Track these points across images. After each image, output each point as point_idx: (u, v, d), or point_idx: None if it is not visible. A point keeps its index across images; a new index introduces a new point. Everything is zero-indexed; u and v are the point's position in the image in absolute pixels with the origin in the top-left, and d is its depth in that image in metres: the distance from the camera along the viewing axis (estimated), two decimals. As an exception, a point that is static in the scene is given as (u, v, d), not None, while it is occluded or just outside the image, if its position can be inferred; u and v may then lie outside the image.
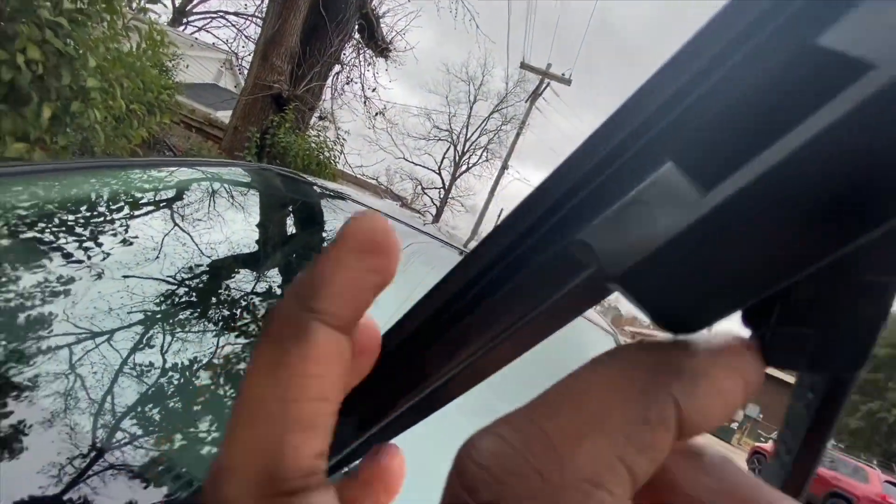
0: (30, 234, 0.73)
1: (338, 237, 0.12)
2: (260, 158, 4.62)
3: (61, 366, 0.51)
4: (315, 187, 1.33)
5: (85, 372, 0.51)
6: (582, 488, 0.08)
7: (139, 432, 0.47)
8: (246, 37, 9.14)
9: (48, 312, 0.59)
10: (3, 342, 0.50)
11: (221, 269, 0.88)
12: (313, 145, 4.78)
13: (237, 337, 0.69)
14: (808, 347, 0.11)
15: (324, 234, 1.10)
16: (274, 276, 0.93)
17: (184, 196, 1.05)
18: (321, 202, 1.27)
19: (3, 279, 0.61)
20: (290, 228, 1.13)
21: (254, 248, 0.98)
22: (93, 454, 0.42)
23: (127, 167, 1.04)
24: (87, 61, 1.71)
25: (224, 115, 6.18)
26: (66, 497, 0.36)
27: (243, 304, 0.80)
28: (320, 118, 5.50)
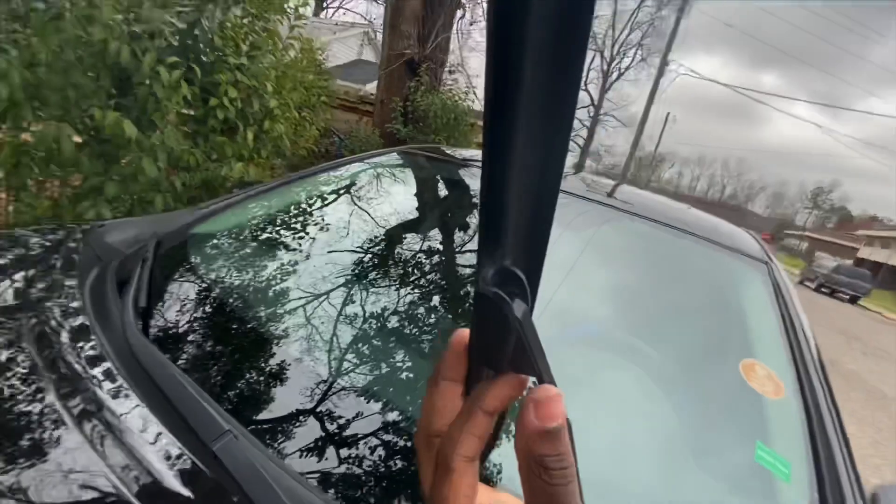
0: (265, 235, 1.07)
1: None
2: (406, 125, 5.03)
3: (299, 319, 0.79)
4: (447, 161, 1.48)
5: (316, 322, 0.79)
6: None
7: (356, 361, 0.72)
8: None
9: (286, 285, 0.89)
10: (263, 308, 0.81)
11: (392, 238, 1.11)
12: (448, 102, 4.96)
13: (414, 290, 0.91)
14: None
15: (458, 206, 1.26)
16: (430, 240, 1.12)
17: (354, 187, 1.32)
18: (455, 174, 1.41)
19: (256, 266, 0.94)
20: (429, 203, 1.31)
21: (410, 220, 1.19)
22: (328, 379, 0.67)
23: (315, 174, 1.36)
24: (266, 87, 2.16)
25: (373, 87, 6.76)
26: (317, 409, 0.61)
27: (412, 264, 1.01)
28: (450, 72, 5.62)
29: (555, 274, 0.88)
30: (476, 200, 1.22)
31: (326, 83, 3.04)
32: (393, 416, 0.58)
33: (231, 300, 0.80)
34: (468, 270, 0.96)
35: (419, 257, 1.00)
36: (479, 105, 6.64)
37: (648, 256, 1.00)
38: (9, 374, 0.51)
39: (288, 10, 2.24)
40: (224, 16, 1.96)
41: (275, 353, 0.68)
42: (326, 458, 0.51)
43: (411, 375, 0.69)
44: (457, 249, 1.05)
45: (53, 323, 0.61)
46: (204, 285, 0.83)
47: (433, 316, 0.83)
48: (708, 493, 0.55)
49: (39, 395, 0.49)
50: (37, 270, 0.76)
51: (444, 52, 5.31)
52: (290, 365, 0.66)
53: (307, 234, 1.08)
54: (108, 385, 0.51)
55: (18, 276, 0.73)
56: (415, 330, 0.79)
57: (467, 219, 1.13)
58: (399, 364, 0.71)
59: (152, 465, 0.43)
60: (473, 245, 1.02)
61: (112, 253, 0.89)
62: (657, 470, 0.59)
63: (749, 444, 0.57)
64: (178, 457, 0.45)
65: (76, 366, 0.54)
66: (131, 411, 0.49)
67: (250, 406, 0.59)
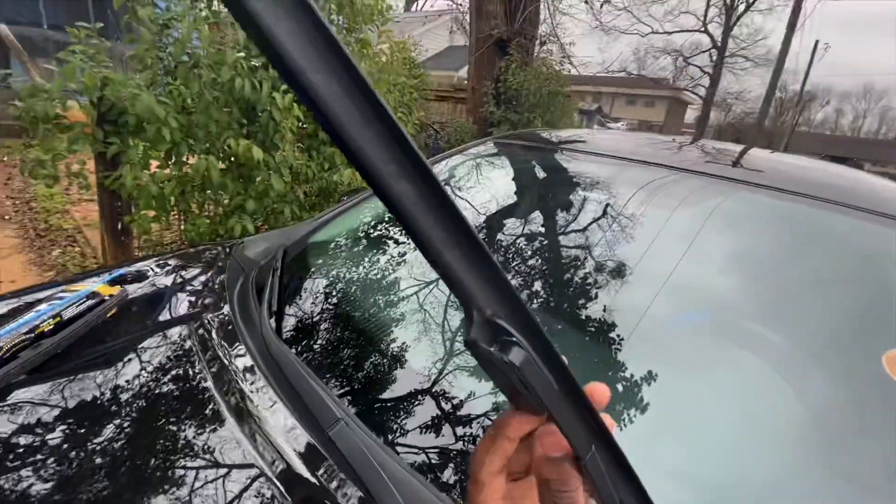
0: (374, 236, 1.18)
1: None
2: (498, 107, 4.97)
3: (409, 313, 0.86)
4: (543, 148, 1.43)
5: (425, 314, 0.85)
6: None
7: (464, 352, 0.77)
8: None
9: (396, 282, 0.97)
10: (376, 304, 0.90)
11: (495, 228, 1.13)
12: (542, 74, 4.76)
13: (520, 279, 0.93)
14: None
15: (557, 193, 1.23)
16: (534, 227, 1.12)
17: (451, 182, 1.36)
18: (552, 160, 1.35)
19: (368, 266, 1.04)
20: (527, 193, 1.29)
21: (510, 210, 1.19)
22: (437, 370, 0.72)
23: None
24: (364, 95, 2.31)
25: (466, 73, 6.79)
26: (426, 399, 0.66)
27: (518, 254, 1.04)
28: (542, 43, 5.37)
29: (667, 258, 0.82)
30: (577, 181, 1.17)
31: (418, 79, 3.14)
32: (496, 403, 0.61)
33: (346, 298, 0.90)
34: (577, 257, 0.93)
35: (524, 246, 1.00)
36: (575, 72, 6.25)
37: (780, 234, 0.86)
38: (179, 369, 0.65)
39: (375, 19, 2.36)
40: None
41: (388, 346, 0.75)
42: (432, 446, 0.56)
43: None
44: (562, 235, 1.02)
45: (210, 327, 0.76)
46: (323, 287, 0.94)
47: (537, 303, 0.83)
48: (845, 499, 0.48)
49: (201, 385, 0.62)
50: (199, 282, 0.95)
51: (533, 24, 5.10)
52: (401, 356, 0.73)
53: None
54: (249, 378, 0.63)
55: (187, 286, 0.91)
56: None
57: (568, 205, 1.10)
58: None
59: (282, 447, 0.52)
60: (579, 232, 0.98)
61: (251, 264, 1.06)
62: (784, 473, 0.53)
63: (891, 446, 0.48)
64: (301, 440, 0.53)
65: (226, 362, 0.66)
66: (267, 400, 0.59)
67: (364, 396, 0.66)
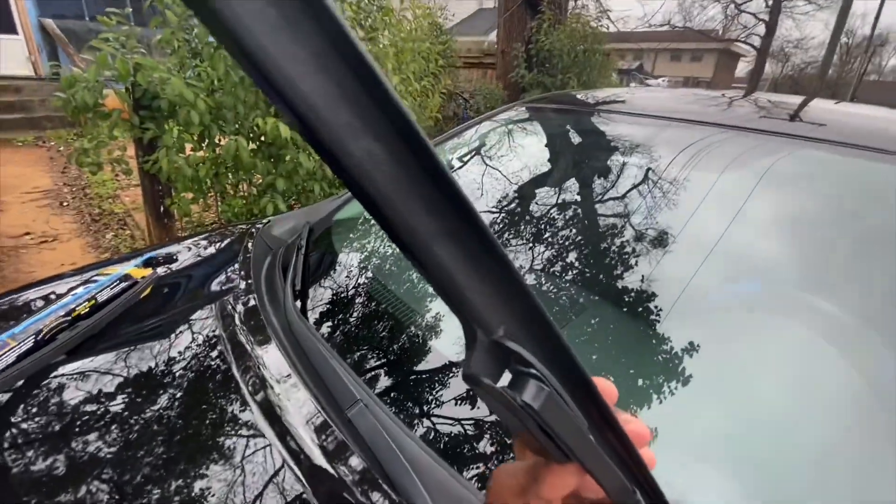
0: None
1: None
2: (530, 70, 4.75)
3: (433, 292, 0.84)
4: (576, 110, 1.35)
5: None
6: None
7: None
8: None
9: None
10: (400, 282, 0.88)
11: (529, 198, 1.08)
12: (576, 33, 4.49)
13: (555, 252, 0.90)
14: None
15: (592, 158, 1.16)
16: (570, 195, 1.07)
17: (480, 151, 1.31)
18: (586, 123, 1.27)
19: (392, 244, 1.02)
20: (560, 159, 1.22)
21: (543, 178, 1.13)
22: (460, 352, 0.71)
23: (439, 144, 1.40)
24: (387, 66, 2.26)
25: (495, 36, 6.52)
26: (448, 382, 0.65)
27: (555, 224, 0.99)
28: (576, -1, 5.04)
29: (716, 224, 0.76)
30: (614, 146, 1.09)
31: (444, 46, 3.03)
32: None
33: (370, 277, 0.90)
34: (617, 226, 0.87)
35: (559, 217, 0.94)
36: (613, 28, 5.86)
37: (845, 194, 0.77)
38: (206, 348, 0.67)
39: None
40: (342, 3, 2.09)
41: (412, 327, 0.74)
42: (452, 428, 0.55)
43: None
44: (600, 204, 0.96)
45: (236, 306, 0.77)
46: (347, 265, 0.94)
47: (573, 278, 0.79)
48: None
49: (225, 365, 0.63)
50: (227, 262, 0.97)
51: (566, -23, 4.78)
52: (425, 337, 0.71)
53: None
54: (271, 358, 0.63)
55: (216, 267, 0.93)
56: (557, 296, 0.77)
57: (607, 171, 1.03)
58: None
59: (301, 428, 0.52)
60: (618, 200, 0.92)
61: (278, 243, 1.07)
62: (839, 449, 0.49)
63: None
64: (319, 420, 0.53)
65: (250, 342, 0.67)
66: (287, 381, 0.60)
67: (386, 376, 0.66)
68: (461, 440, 0.54)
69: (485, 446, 0.53)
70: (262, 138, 2.08)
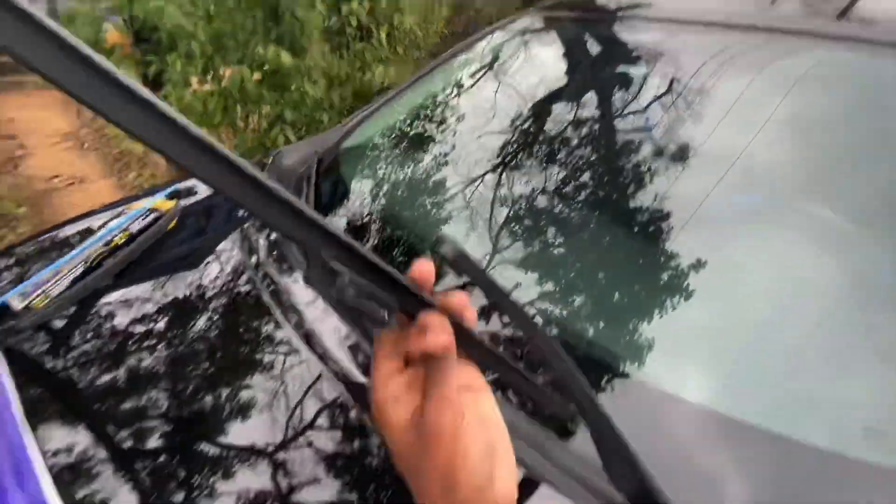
0: (410, 135, 1.17)
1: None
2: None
3: (451, 213, 0.88)
4: (597, 19, 1.25)
5: (470, 214, 0.87)
6: None
7: (513, 250, 0.80)
8: None
9: (433, 181, 0.99)
10: (413, 207, 0.92)
11: (544, 116, 1.04)
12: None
13: (574, 172, 0.91)
14: None
15: (614, 72, 1.11)
16: (587, 111, 1.05)
17: (493, 65, 1.25)
18: (608, 31, 1.18)
19: (403, 168, 1.05)
20: (579, 73, 1.17)
21: (558, 94, 1.08)
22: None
23: (448, 61, 1.35)
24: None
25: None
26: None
27: (571, 143, 0.99)
28: None
29: (742, 136, 0.74)
30: (637, 55, 1.04)
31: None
32: (547, 300, 0.64)
33: (378, 203, 0.94)
34: (633, 140, 0.87)
35: (576, 132, 0.93)
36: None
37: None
38: (232, 272, 0.74)
39: None
40: None
41: (417, 246, 0.80)
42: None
43: (575, 263, 0.71)
44: (619, 117, 0.94)
45: (255, 233, 0.83)
46: (355, 192, 0.98)
47: (591, 197, 0.81)
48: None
49: (248, 286, 0.71)
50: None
51: None
52: (430, 254, 0.77)
53: (450, 125, 1.12)
54: (288, 275, 0.70)
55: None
56: (575, 216, 0.78)
57: (625, 83, 0.99)
58: (562, 252, 0.74)
59: (323, 335, 0.60)
60: (636, 114, 0.90)
61: (289, 174, 1.11)
62: (832, 353, 0.53)
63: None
64: (343, 331, 0.61)
65: (270, 265, 0.74)
66: (306, 297, 0.67)
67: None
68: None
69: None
70: (266, 67, 2.04)
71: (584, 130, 0.93)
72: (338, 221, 0.93)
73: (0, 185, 2.94)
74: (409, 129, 1.16)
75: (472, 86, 1.20)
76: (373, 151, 1.15)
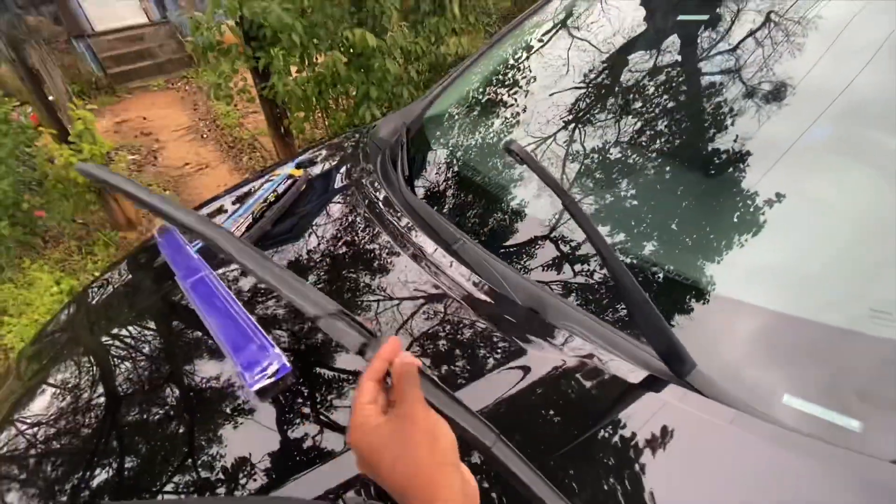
0: (486, 99, 1.32)
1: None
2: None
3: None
4: None
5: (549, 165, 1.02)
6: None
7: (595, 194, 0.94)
8: None
9: (512, 138, 1.13)
10: (493, 164, 1.08)
11: (622, 70, 1.14)
12: None
13: (657, 123, 1.02)
14: None
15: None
16: (669, 59, 1.13)
17: (566, 23, 1.34)
18: None
19: (482, 129, 1.21)
20: (662, 21, 1.22)
21: (639, 45, 1.16)
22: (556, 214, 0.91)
23: (520, 25, 1.46)
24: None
25: None
26: (539, 234, 0.87)
27: (655, 95, 1.09)
28: None
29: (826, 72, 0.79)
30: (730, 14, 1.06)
31: None
32: (621, 234, 0.77)
33: (456, 161, 1.11)
34: (709, 81, 0.93)
35: (655, 79, 0.98)
36: None
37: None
38: (354, 220, 0.96)
39: None
40: None
41: (491, 194, 0.96)
42: (531, 257, 0.78)
43: (659, 211, 0.82)
44: (698, 61, 0.99)
45: (368, 190, 1.05)
46: (440, 153, 1.16)
47: (672, 138, 0.92)
48: None
49: (369, 229, 0.92)
50: (352, 160, 1.24)
51: None
52: (500, 200, 0.92)
53: (525, 86, 1.23)
54: (395, 217, 0.90)
55: (345, 164, 1.22)
56: (656, 157, 0.89)
57: (706, 27, 1.02)
58: (642, 187, 0.83)
59: (431, 256, 0.79)
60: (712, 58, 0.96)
61: (384, 143, 1.32)
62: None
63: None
64: (435, 252, 0.80)
65: (384, 212, 0.95)
66: (411, 230, 0.86)
67: (474, 227, 0.90)
68: (524, 251, 0.77)
69: (544, 256, 0.75)
70: (352, 50, 2.26)
71: (663, 76, 1.00)
72: (425, 173, 1.11)
73: (147, 174, 3.57)
74: (485, 94, 1.30)
75: (545, 45, 1.29)
76: (448, 120, 1.31)
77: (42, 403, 0.79)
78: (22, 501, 0.64)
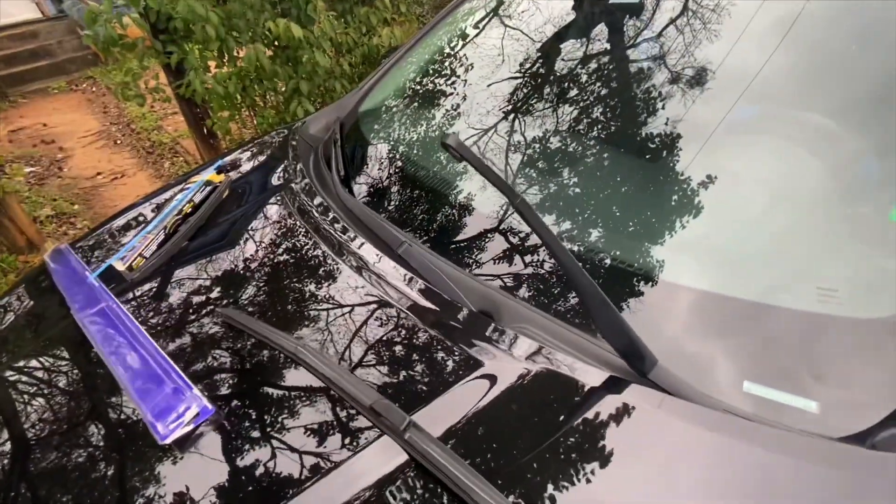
0: (422, 90, 1.24)
1: None
2: None
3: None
4: None
5: (489, 154, 0.97)
6: None
7: (535, 185, 0.89)
8: None
9: (448, 129, 1.07)
10: (430, 154, 1.02)
11: (555, 56, 1.13)
12: None
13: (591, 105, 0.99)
14: None
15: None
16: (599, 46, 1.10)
17: (499, 9, 1.30)
18: None
19: (419, 121, 1.14)
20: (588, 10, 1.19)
21: (570, 33, 1.14)
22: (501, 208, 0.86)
23: (452, 12, 1.40)
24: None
25: None
26: (486, 226, 0.81)
27: (588, 79, 1.06)
28: None
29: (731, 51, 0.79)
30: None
31: None
32: (567, 226, 0.73)
33: (396, 157, 1.03)
34: (636, 66, 0.92)
35: (586, 65, 0.97)
36: None
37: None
38: (284, 226, 0.87)
39: None
40: None
41: (430, 189, 0.89)
42: (482, 257, 0.73)
43: (588, 178, 0.79)
44: (624, 47, 0.98)
45: (298, 194, 0.95)
46: (379, 149, 1.08)
47: (601, 122, 0.89)
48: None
49: (301, 235, 0.83)
50: (279, 161, 1.13)
51: None
52: (443, 195, 0.86)
53: (460, 75, 1.19)
54: (330, 223, 0.82)
55: (271, 166, 1.10)
56: (586, 142, 0.86)
57: (630, 14, 1.02)
58: (580, 181, 0.82)
59: (369, 262, 0.72)
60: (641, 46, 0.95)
61: (316, 140, 1.21)
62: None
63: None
64: (379, 258, 0.72)
65: (315, 217, 0.86)
66: (349, 237, 0.78)
67: (418, 228, 0.83)
68: (474, 251, 0.72)
69: (495, 255, 0.70)
70: (277, 43, 2.10)
71: (593, 63, 0.98)
72: (364, 172, 1.03)
73: (51, 187, 3.18)
74: (421, 84, 1.24)
75: (479, 34, 1.25)
76: (385, 113, 1.23)
77: None
78: None
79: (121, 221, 1.00)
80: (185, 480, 0.49)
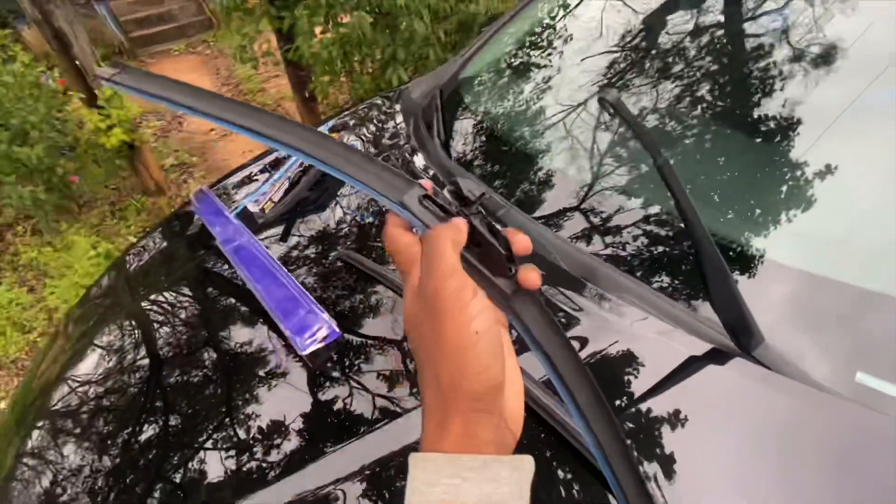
0: (519, 61, 1.25)
1: None
2: None
3: (561, 131, 0.98)
4: None
5: (578, 131, 0.97)
6: None
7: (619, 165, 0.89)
8: None
9: (545, 101, 1.08)
10: (528, 125, 1.03)
11: (660, 28, 1.09)
12: None
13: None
14: None
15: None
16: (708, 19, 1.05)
17: None
18: None
19: (517, 90, 1.15)
20: None
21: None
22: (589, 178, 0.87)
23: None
24: None
25: None
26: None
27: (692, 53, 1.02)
28: None
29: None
30: None
31: None
32: (653, 209, 0.73)
33: (498, 121, 1.06)
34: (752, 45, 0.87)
35: (695, 40, 0.93)
36: None
37: None
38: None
39: None
40: None
41: (529, 156, 0.91)
42: (582, 225, 0.74)
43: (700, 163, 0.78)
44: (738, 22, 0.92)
45: (402, 154, 1.01)
46: (480, 116, 1.11)
47: (713, 102, 0.86)
48: None
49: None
50: (382, 124, 1.20)
51: None
52: (538, 161, 0.88)
53: (559, 47, 1.18)
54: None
55: (376, 128, 1.18)
56: (698, 122, 0.84)
57: None
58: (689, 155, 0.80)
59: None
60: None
61: (416, 107, 1.27)
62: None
63: None
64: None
65: (420, 172, 0.92)
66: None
67: (508, 187, 0.86)
68: (574, 217, 0.73)
69: (594, 222, 0.72)
70: (378, 10, 2.17)
71: (704, 38, 0.93)
72: (461, 138, 1.07)
73: (173, 140, 3.59)
74: (524, 55, 1.24)
75: (581, 3, 1.21)
76: (483, 83, 1.25)
77: (90, 364, 0.81)
78: (77, 454, 0.66)
79: (241, 175, 1.13)
80: (316, 390, 0.58)
